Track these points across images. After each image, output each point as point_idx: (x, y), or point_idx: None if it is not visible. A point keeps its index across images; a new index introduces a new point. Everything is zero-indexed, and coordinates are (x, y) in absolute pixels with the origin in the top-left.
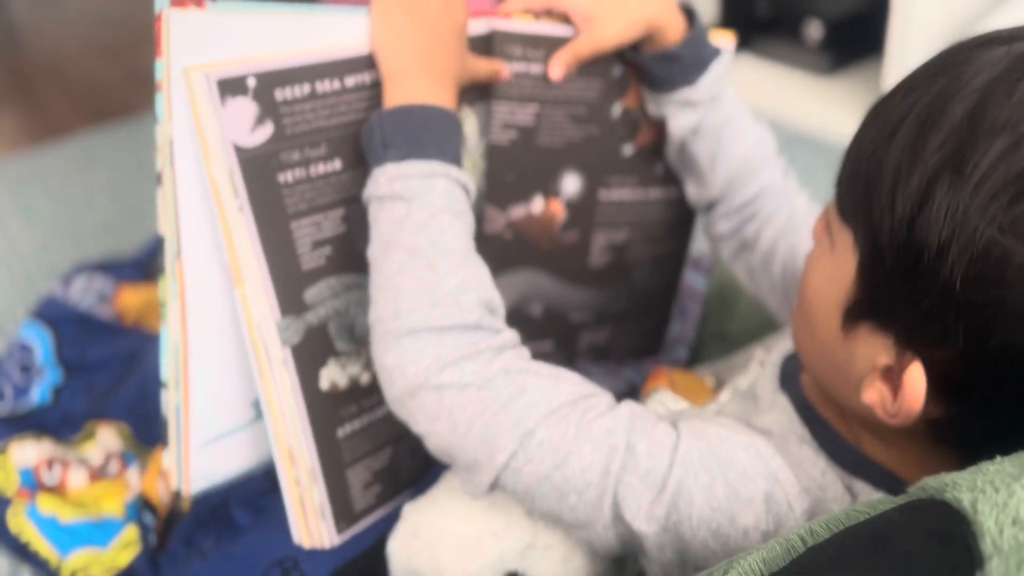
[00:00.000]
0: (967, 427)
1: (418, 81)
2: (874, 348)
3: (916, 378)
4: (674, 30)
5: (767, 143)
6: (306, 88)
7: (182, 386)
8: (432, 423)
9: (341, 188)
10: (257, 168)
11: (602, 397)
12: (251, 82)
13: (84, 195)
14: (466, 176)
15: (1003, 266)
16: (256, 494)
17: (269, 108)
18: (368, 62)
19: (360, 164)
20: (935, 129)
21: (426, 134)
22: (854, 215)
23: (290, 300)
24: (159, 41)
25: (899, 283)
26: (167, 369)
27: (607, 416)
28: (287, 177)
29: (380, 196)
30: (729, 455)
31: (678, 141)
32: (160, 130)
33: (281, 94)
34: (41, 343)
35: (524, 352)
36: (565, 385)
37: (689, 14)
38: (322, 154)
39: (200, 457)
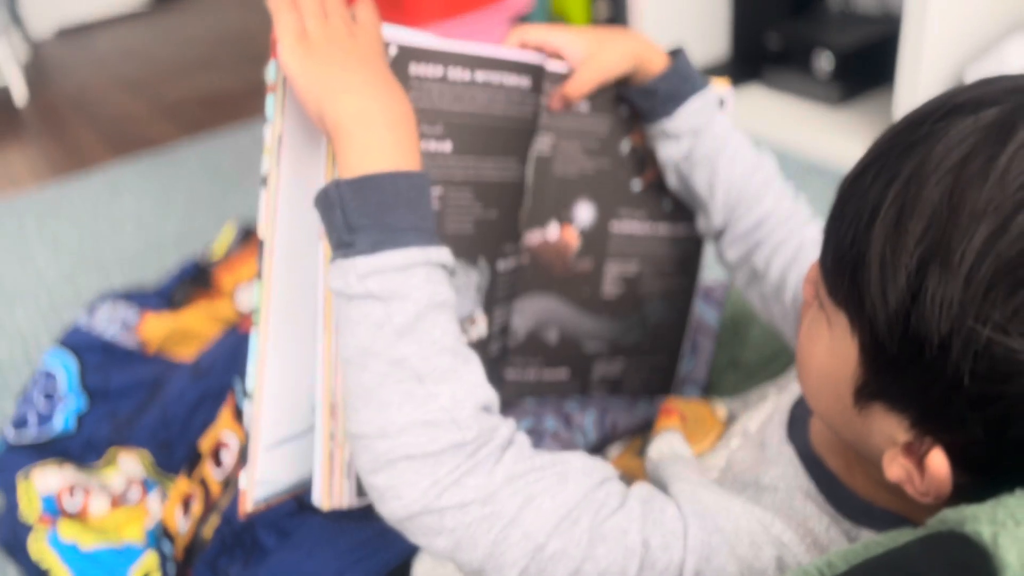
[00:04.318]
0: (989, 461)
1: (374, 133)
2: (891, 426)
3: (939, 464)
4: (656, 65)
5: (767, 169)
6: (439, 70)
7: (258, 389)
8: (432, 540)
9: (446, 170)
10: None
11: (611, 485)
12: (393, 50)
13: (109, 226)
14: (444, 250)
15: (1009, 362)
16: (281, 516)
17: (402, 79)
18: (497, 64)
19: (468, 151)
20: (914, 216)
21: (399, 212)
22: (846, 302)
23: None
24: (275, 46)
25: (905, 372)
26: (253, 379)
27: (619, 513)
28: None
29: (351, 295)
30: (733, 526)
31: (670, 171)
32: (269, 130)
33: (415, 69)
34: (65, 371)
35: (523, 441)
36: (572, 482)
37: (675, 55)
38: (437, 133)
39: (264, 460)
